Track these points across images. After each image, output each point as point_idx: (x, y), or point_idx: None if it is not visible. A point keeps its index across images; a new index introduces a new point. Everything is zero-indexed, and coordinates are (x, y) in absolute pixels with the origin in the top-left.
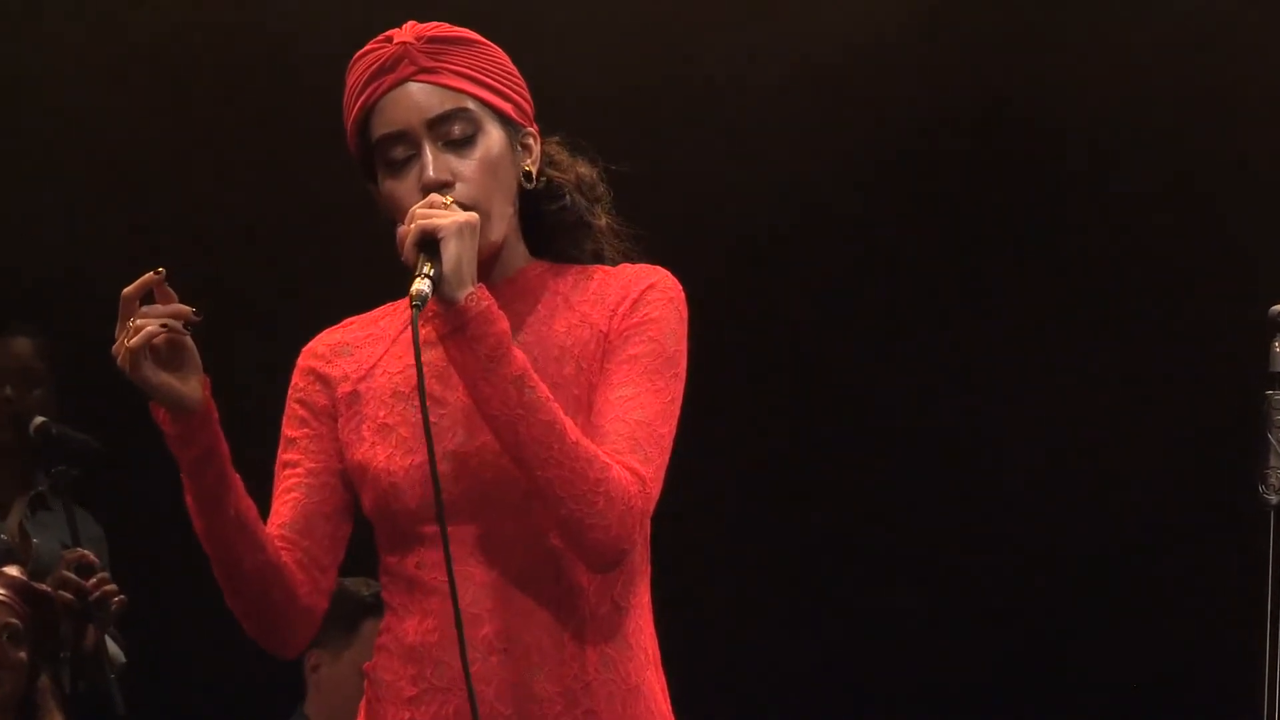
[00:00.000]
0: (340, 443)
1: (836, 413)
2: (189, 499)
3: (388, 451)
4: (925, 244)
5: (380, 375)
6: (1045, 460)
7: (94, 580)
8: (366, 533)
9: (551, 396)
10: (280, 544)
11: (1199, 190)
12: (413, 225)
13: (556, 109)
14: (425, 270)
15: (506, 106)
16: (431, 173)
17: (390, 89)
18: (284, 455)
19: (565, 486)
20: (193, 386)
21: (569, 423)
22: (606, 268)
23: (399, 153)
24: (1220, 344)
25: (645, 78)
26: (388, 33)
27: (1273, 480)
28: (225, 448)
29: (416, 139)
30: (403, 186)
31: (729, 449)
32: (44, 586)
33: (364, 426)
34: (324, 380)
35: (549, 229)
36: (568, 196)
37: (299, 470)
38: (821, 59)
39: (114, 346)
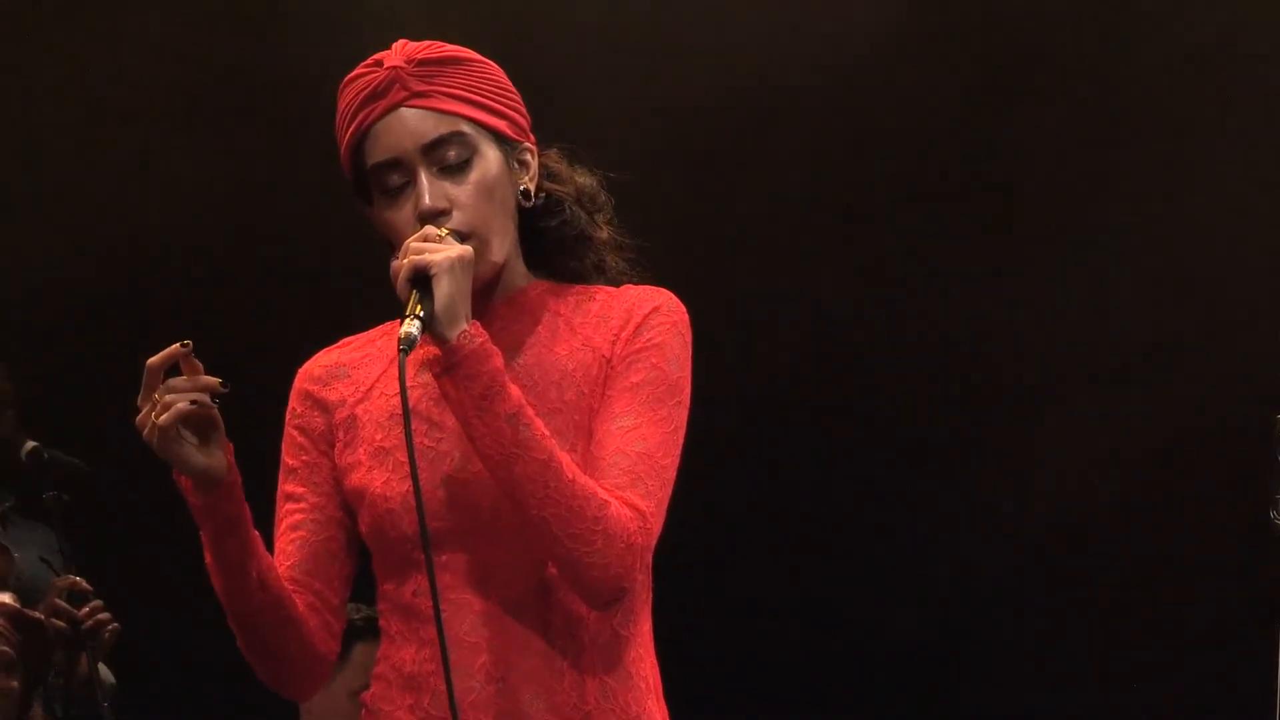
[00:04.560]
0: (338, 468)
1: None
2: (209, 560)
3: (384, 476)
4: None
5: (377, 397)
6: (1054, 482)
7: (86, 609)
8: (365, 559)
9: (547, 434)
10: (291, 586)
11: (1185, 214)
12: (405, 260)
13: (550, 118)
14: (415, 310)
15: (502, 124)
16: (428, 201)
17: (383, 115)
18: (285, 486)
19: (562, 525)
20: (218, 458)
21: (565, 459)
22: (609, 289)
23: (394, 180)
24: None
25: (641, 91)
26: (377, 56)
27: None
28: (247, 513)
29: (411, 166)
30: (399, 215)
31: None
32: (36, 614)
33: (361, 450)
34: (321, 405)
35: (549, 245)
36: (567, 210)
37: (303, 505)
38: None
39: (139, 418)
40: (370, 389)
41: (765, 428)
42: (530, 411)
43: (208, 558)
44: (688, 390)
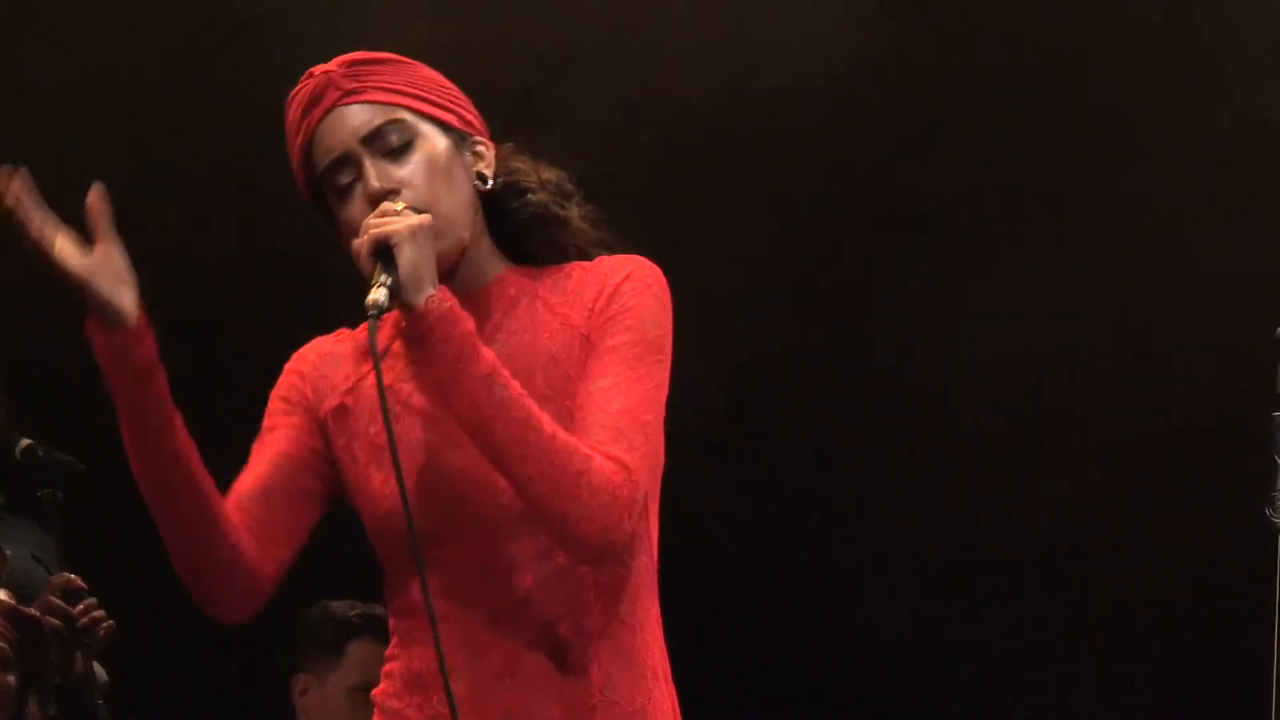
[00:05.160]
0: (335, 459)
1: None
2: (125, 430)
3: (381, 475)
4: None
5: (368, 387)
6: (1053, 487)
7: (81, 607)
8: (363, 557)
9: (525, 393)
10: (232, 508)
11: (1186, 217)
12: (366, 235)
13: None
14: (381, 279)
15: (446, 116)
16: (375, 183)
17: (321, 119)
18: (256, 441)
19: (546, 481)
20: (125, 296)
21: (545, 417)
22: (584, 263)
23: (344, 178)
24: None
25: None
26: (311, 69)
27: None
28: (162, 376)
29: (357, 158)
30: (353, 208)
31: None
32: (32, 611)
33: (356, 445)
34: (311, 384)
35: (520, 230)
36: (531, 191)
37: (267, 452)
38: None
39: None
40: (361, 378)
41: (755, 425)
42: (504, 373)
43: (123, 429)
44: (668, 348)
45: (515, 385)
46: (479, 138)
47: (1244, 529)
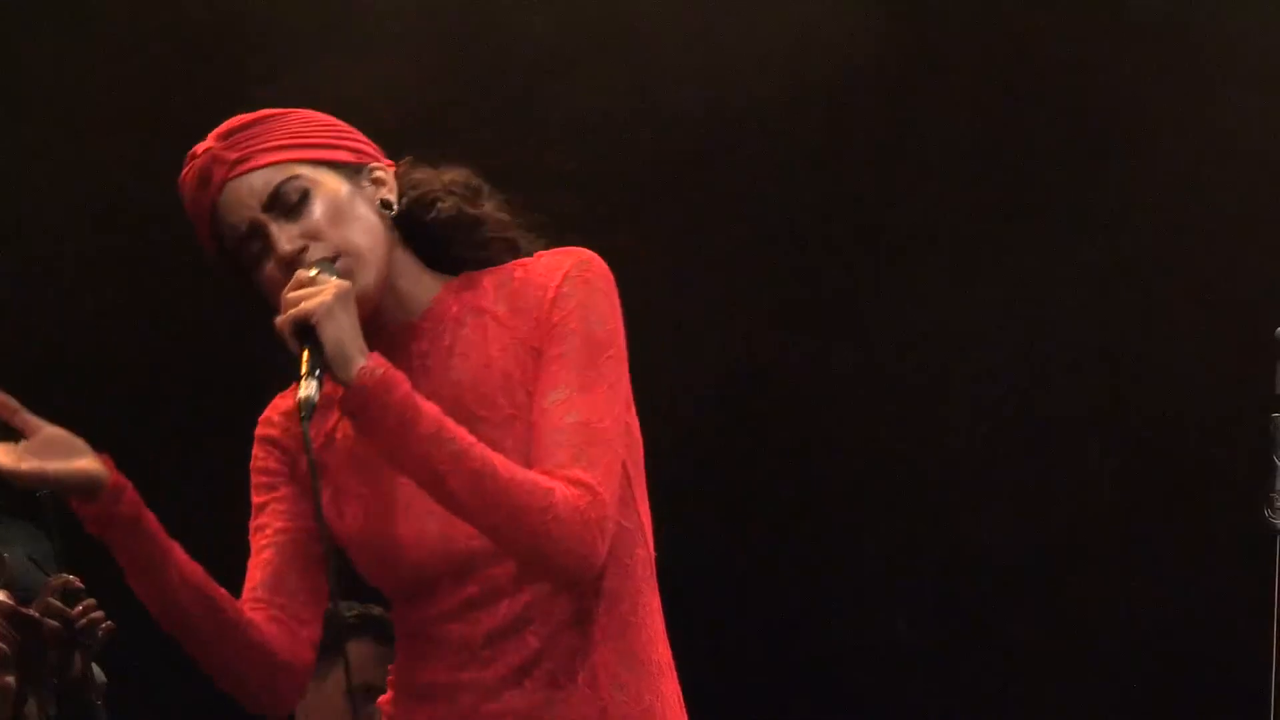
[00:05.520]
0: (305, 513)
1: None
2: (131, 580)
3: (362, 524)
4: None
5: (340, 439)
6: (1052, 489)
7: (80, 608)
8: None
9: (473, 440)
10: (251, 606)
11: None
12: (285, 316)
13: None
14: (308, 371)
15: (336, 154)
16: (284, 246)
17: (216, 197)
18: (252, 523)
19: (512, 526)
20: (89, 465)
21: (498, 460)
22: (524, 261)
23: (254, 248)
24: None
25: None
26: (192, 149)
27: (1279, 503)
28: (151, 515)
29: (261, 226)
30: (269, 276)
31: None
32: (31, 611)
33: (340, 498)
34: (282, 448)
35: (441, 240)
36: (437, 199)
37: (267, 532)
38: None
39: None
40: (331, 429)
41: (753, 426)
42: (450, 424)
43: (130, 580)
44: (619, 339)
45: (463, 435)
46: (374, 164)
47: (1243, 529)
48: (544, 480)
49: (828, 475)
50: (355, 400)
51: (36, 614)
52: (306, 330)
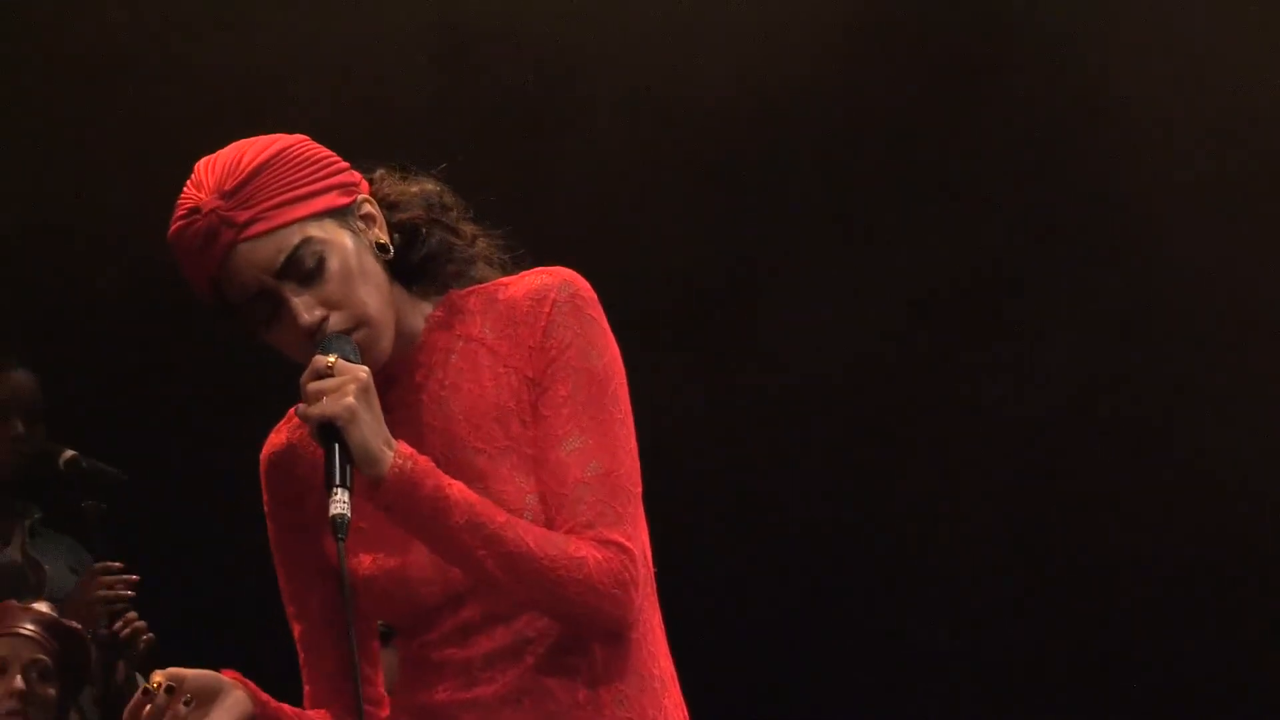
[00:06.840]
0: (324, 553)
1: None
2: None
3: (368, 558)
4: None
5: None
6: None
7: (120, 622)
8: None
9: (505, 520)
10: (330, 698)
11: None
12: (309, 413)
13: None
14: (335, 477)
15: (331, 198)
16: (305, 318)
17: (223, 258)
18: (286, 603)
19: (551, 600)
20: (236, 701)
21: (531, 534)
22: (507, 280)
23: (264, 309)
24: None
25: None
26: (188, 201)
27: None
28: (290, 710)
29: (274, 291)
30: (285, 337)
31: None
32: (73, 623)
33: (350, 538)
34: (293, 492)
35: (428, 272)
36: (423, 233)
37: (298, 631)
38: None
39: None
40: None
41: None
42: (480, 508)
43: None
44: (618, 366)
45: (493, 517)
46: (360, 198)
47: (1243, 529)
48: (574, 549)
49: (828, 478)
50: (386, 498)
51: (78, 626)
52: (332, 430)
